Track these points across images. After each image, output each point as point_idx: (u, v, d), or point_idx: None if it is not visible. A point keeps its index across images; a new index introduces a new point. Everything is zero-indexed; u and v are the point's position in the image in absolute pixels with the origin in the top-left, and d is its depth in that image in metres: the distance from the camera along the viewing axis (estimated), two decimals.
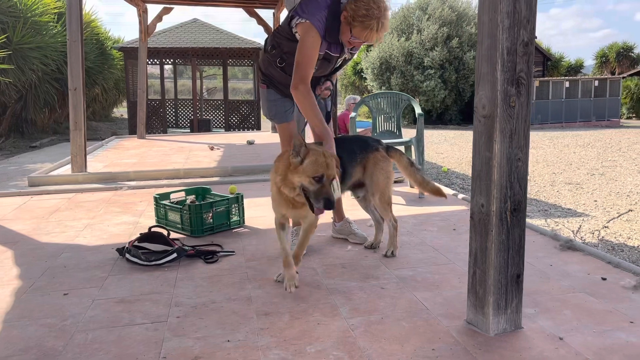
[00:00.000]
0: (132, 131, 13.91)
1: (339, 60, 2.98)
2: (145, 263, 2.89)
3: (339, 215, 3.38)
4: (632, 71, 31.61)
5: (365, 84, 24.23)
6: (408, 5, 24.27)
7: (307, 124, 3.18)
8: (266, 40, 3.10)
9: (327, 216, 3.54)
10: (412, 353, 1.93)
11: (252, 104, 16.56)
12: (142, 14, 9.88)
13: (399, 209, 4.12)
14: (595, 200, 7.19)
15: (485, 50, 1.96)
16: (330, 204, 2.33)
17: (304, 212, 2.53)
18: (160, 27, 11.75)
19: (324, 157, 2.36)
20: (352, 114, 5.27)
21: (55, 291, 2.58)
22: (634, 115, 28.18)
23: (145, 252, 3.00)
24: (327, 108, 3.06)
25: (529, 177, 8.70)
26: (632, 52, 34.44)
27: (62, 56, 11.93)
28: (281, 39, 2.94)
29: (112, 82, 18.23)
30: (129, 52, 15.48)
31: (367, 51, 25.02)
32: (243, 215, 3.70)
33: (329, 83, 3.07)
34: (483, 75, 1.98)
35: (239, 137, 10.26)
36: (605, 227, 5.73)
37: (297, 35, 2.81)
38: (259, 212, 4.03)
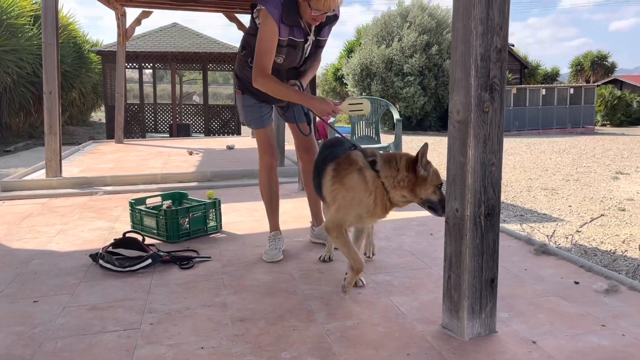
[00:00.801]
0: (110, 136, 13.74)
1: (307, 46, 2.89)
2: (119, 269, 2.84)
3: (318, 220, 3.37)
4: (606, 79, 32.37)
5: (346, 89, 24.33)
6: (389, 13, 24.46)
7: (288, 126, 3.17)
8: (240, 42, 3.09)
9: (305, 221, 3.53)
10: (387, 358, 1.93)
11: (232, 109, 16.49)
12: (121, 17, 9.77)
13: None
14: (570, 206, 7.31)
15: (460, 56, 1.97)
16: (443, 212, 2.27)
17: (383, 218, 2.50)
18: (139, 31, 11.64)
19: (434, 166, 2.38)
20: (331, 119, 5.27)
21: (25, 298, 2.52)
22: (608, 122, 28.79)
23: (119, 258, 2.95)
24: (304, 109, 3.01)
25: (505, 183, 8.80)
26: (606, 61, 35.24)
27: (38, 59, 11.75)
28: (250, 38, 2.91)
29: (89, 86, 18.01)
30: (107, 56, 15.28)
31: (348, 57, 25.13)
32: (220, 221, 3.66)
33: (293, 82, 2.91)
34: (457, 80, 1.99)
35: (219, 142, 10.20)
36: (579, 231, 5.82)
37: (259, 24, 2.78)
38: (237, 217, 4.00)
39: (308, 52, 2.93)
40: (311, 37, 2.89)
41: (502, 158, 2.03)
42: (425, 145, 2.34)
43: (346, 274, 2.52)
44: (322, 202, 3.02)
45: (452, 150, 2.05)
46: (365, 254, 2.99)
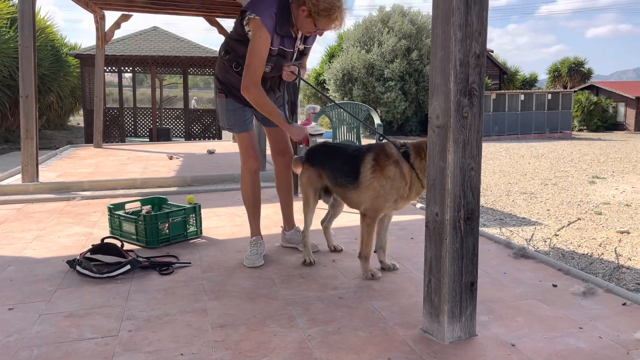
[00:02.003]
0: (89, 140, 13.55)
1: (294, 54, 2.95)
2: (97, 275, 2.80)
3: (290, 224, 3.36)
4: (583, 85, 32.99)
5: (328, 94, 24.40)
6: (370, 18, 24.63)
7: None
8: (221, 46, 3.07)
9: (277, 225, 3.52)
10: None
11: (213, 113, 16.41)
12: (100, 20, 9.66)
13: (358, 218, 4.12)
14: (548, 209, 7.42)
15: (439, 61, 1.99)
16: None
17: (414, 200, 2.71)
18: (119, 34, 11.53)
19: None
20: (312, 124, 5.27)
21: (0, 306, 2.46)
22: (585, 127, 29.33)
23: (97, 264, 2.90)
24: (291, 97, 3.02)
25: (485, 187, 8.90)
26: (583, 67, 35.92)
27: (15, 62, 11.56)
28: (234, 43, 2.92)
29: (68, 89, 17.77)
30: (86, 59, 15.11)
31: (330, 62, 25.20)
32: (200, 226, 3.64)
33: (294, 67, 2.95)
34: (437, 86, 2.01)
35: (200, 147, 10.13)
36: (557, 235, 5.90)
37: (249, 33, 2.80)
38: (217, 222, 3.97)
39: (293, 59, 2.97)
40: (300, 46, 2.95)
41: (482, 163, 2.06)
42: None
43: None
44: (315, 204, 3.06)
45: (432, 155, 2.07)
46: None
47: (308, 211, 3.05)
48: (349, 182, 2.78)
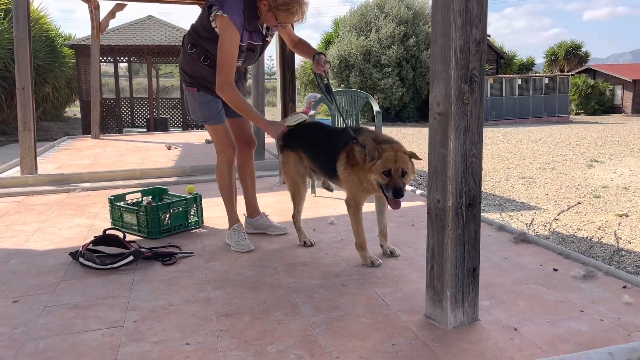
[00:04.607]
0: (86, 131, 13.51)
1: (263, 45, 3.02)
2: (100, 267, 2.81)
3: (256, 211, 3.42)
4: (580, 69, 32.92)
5: (325, 82, 24.29)
6: (366, 4, 24.45)
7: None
8: (183, 39, 3.06)
9: (288, 214, 3.53)
10: (372, 349, 1.95)
11: None
12: (94, 10, 9.58)
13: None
14: (547, 194, 7.44)
15: (439, 48, 1.99)
16: (397, 191, 2.54)
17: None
18: (113, 24, 11.42)
19: (393, 154, 2.59)
20: (311, 112, 5.26)
21: (4, 299, 2.47)
22: (582, 111, 29.31)
23: (100, 255, 2.91)
24: (325, 82, 3.04)
25: (484, 172, 8.91)
26: (580, 51, 35.80)
27: (10, 54, 11.48)
28: (200, 38, 2.94)
29: (63, 80, 17.67)
30: (81, 50, 15.01)
31: (326, 49, 25.06)
32: (202, 216, 3.64)
33: (328, 65, 3.00)
34: (437, 73, 2.01)
35: (198, 136, 10.11)
36: (556, 219, 5.93)
37: (216, 29, 2.81)
38: (218, 212, 3.97)
39: (262, 49, 3.05)
40: (268, 39, 3.02)
41: (482, 149, 2.06)
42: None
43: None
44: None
45: (433, 142, 2.07)
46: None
47: (300, 200, 3.11)
48: (328, 173, 2.93)
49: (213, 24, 2.82)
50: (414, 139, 15.52)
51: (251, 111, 2.96)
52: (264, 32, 2.97)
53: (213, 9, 2.79)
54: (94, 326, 2.17)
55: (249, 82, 4.30)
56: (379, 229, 3.01)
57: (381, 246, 3.00)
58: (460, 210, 2.04)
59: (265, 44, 3.05)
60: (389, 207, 2.77)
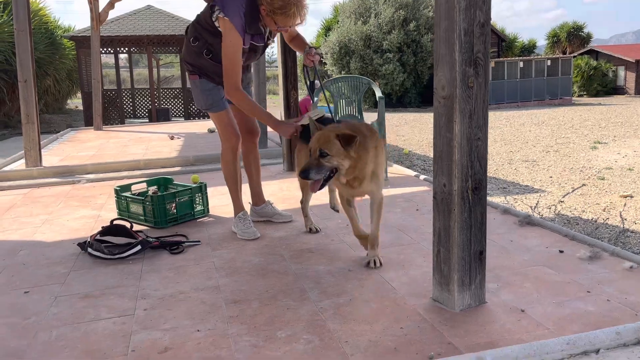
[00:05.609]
0: (88, 123, 13.52)
1: (265, 46, 3.05)
2: (109, 257, 2.83)
3: (261, 199, 3.43)
4: (582, 50, 32.66)
5: (325, 68, 24.18)
6: None
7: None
8: (187, 29, 3.08)
9: (293, 202, 3.54)
10: (381, 332, 1.97)
11: None
12: (93, 1, 9.54)
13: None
14: (551, 176, 7.43)
15: (443, 32, 1.98)
16: (302, 171, 2.40)
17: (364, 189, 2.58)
18: (112, 14, 11.38)
19: (319, 133, 2.44)
20: (315, 99, 5.25)
21: (15, 290, 2.50)
22: (585, 93, 29.15)
23: (108, 245, 2.93)
24: (310, 78, 3.05)
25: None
26: (582, 32, 35.51)
27: (10, 47, 11.46)
28: (203, 32, 2.95)
29: (64, 72, 17.65)
30: (81, 41, 14.95)
31: (326, 36, 24.92)
32: (207, 205, 3.66)
33: (317, 56, 2.98)
34: (441, 56, 2.00)
35: (200, 126, 10.11)
36: (561, 201, 5.93)
37: (218, 28, 2.84)
38: (223, 200, 3.99)
39: (264, 51, 3.08)
40: (271, 42, 3.05)
41: (488, 131, 2.06)
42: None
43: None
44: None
45: (438, 127, 2.07)
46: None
47: (308, 189, 3.10)
48: None
49: (216, 24, 2.85)
50: (416, 124, 15.48)
51: (261, 113, 2.97)
52: (266, 35, 2.98)
53: (215, 10, 2.81)
54: (105, 315, 2.20)
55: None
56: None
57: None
58: (467, 194, 2.04)
59: (267, 44, 3.08)
60: (358, 199, 2.74)
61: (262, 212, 3.43)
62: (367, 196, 2.69)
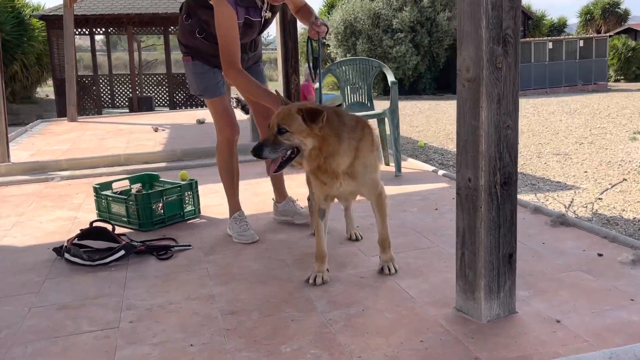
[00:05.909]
0: (61, 113, 13.53)
1: (262, 22, 3.03)
2: (89, 263, 2.84)
3: (282, 195, 3.42)
4: (619, 29, 32.56)
5: (328, 51, 24.16)
6: None
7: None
8: (181, 6, 3.10)
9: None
10: (398, 346, 1.97)
11: None
12: None
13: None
14: (586, 171, 7.43)
15: (468, 5, 1.97)
16: (254, 148, 2.30)
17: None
18: None
19: (280, 109, 2.40)
20: (316, 85, 5.25)
21: None
22: (622, 77, 29.06)
23: (87, 250, 2.94)
24: (314, 54, 3.05)
25: None
26: (619, 8, 35.39)
27: None
28: (196, 7, 2.97)
29: (33, 57, 17.68)
30: (53, 22, 14.97)
31: (329, 14, 24.91)
32: (198, 204, 3.67)
33: (324, 27, 2.98)
34: (466, 34, 2.00)
35: (187, 116, 10.11)
36: (599, 199, 5.93)
37: (213, 4, 2.84)
38: (216, 199, 3.99)
39: (260, 27, 3.05)
40: (267, 14, 3.01)
41: (518, 119, 2.06)
42: None
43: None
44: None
45: (462, 113, 2.07)
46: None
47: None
48: None
49: None
50: (431, 113, 15.47)
51: (265, 95, 2.83)
52: (263, 9, 2.98)
53: None
54: (86, 328, 2.21)
55: None
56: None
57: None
58: (494, 190, 2.04)
59: (265, 21, 3.06)
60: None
61: (283, 211, 3.42)
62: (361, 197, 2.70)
